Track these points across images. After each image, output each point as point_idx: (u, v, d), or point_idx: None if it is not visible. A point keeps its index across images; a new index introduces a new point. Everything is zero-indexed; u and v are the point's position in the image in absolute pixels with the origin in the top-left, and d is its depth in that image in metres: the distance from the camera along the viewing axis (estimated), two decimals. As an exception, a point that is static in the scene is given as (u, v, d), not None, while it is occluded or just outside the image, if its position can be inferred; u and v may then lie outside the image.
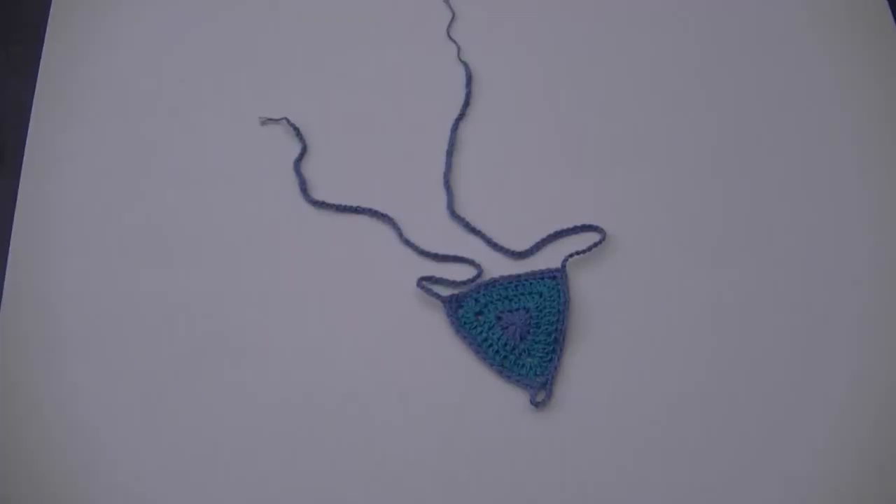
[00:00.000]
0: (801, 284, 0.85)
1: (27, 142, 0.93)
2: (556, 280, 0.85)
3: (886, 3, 0.99)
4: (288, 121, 0.96)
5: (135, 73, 1.00)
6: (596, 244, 0.87)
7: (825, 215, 0.89)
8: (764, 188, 0.91)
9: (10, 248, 0.87)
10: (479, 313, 0.84)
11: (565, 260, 0.86)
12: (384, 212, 0.91)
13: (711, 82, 0.98)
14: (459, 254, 0.88)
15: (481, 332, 0.83)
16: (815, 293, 0.85)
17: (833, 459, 0.77)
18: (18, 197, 0.90)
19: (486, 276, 0.87)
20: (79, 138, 0.94)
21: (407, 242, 0.89)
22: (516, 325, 0.84)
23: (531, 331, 0.83)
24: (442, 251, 0.88)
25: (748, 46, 1.00)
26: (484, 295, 0.85)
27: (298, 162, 0.94)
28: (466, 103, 0.97)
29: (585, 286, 0.86)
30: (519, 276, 0.86)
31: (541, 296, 0.85)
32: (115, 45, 1.01)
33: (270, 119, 0.97)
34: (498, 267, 0.88)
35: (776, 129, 0.94)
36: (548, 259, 0.88)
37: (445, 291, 0.86)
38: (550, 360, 0.82)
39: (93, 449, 0.78)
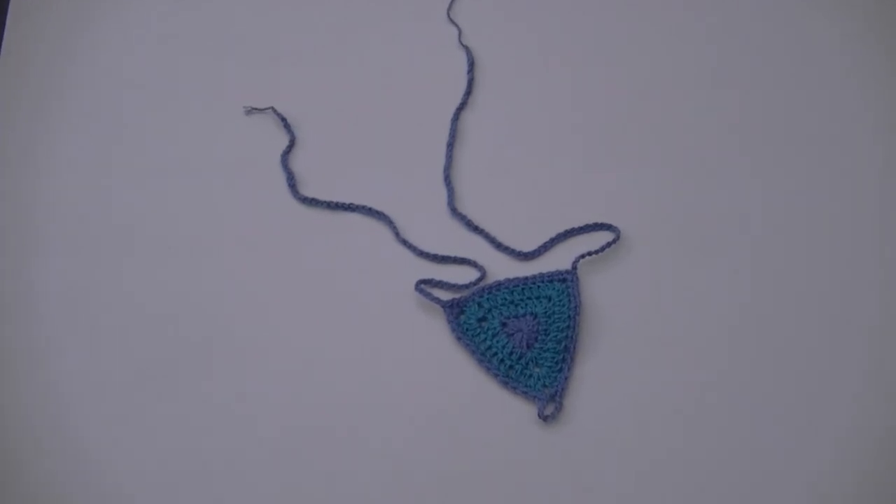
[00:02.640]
0: (826, 288, 0.85)
1: (-4, 135, 0.94)
2: (566, 283, 0.85)
3: None
4: (274, 110, 0.96)
5: (110, 60, 1.00)
6: (609, 244, 0.86)
7: (848, 215, 0.89)
8: (787, 184, 0.91)
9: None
10: (483, 319, 0.84)
11: (576, 261, 0.86)
12: (379, 209, 0.90)
13: (732, 72, 0.99)
14: (461, 254, 0.88)
15: (485, 340, 0.83)
16: (840, 297, 0.85)
17: (855, 473, 0.77)
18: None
19: (490, 279, 0.86)
20: (51, 130, 0.95)
21: (404, 242, 0.88)
22: (523, 331, 0.83)
23: (539, 338, 0.83)
24: (442, 252, 0.88)
25: (767, 34, 1.00)
26: (488, 299, 0.85)
27: (286, 155, 0.94)
28: (468, 91, 0.97)
29: (598, 289, 0.85)
30: (526, 278, 0.85)
31: (549, 300, 0.84)
32: (89, 31, 1.01)
33: (255, 108, 0.96)
34: (503, 269, 0.87)
35: (798, 122, 0.95)
36: (557, 260, 0.87)
37: (446, 295, 0.85)
38: (560, 369, 0.81)
39: (74, 451, 0.78)
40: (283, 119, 0.95)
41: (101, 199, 0.91)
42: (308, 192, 0.92)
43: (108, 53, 1.00)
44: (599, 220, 0.88)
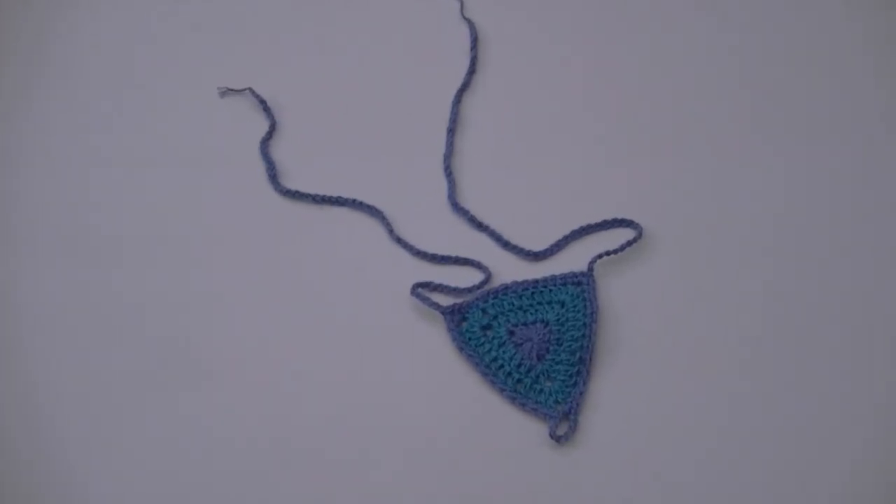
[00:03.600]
0: (871, 292, 0.84)
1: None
2: (581, 286, 0.83)
3: None
4: (253, 92, 0.96)
5: (73, 39, 1.00)
6: (630, 242, 0.85)
7: (889, 212, 0.88)
8: (829, 180, 0.90)
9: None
10: (488, 327, 0.83)
11: (593, 261, 0.84)
12: (371, 203, 0.89)
13: (763, 56, 0.98)
14: (463, 254, 0.87)
15: (490, 350, 0.81)
16: (887, 302, 0.83)
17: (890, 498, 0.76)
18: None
19: (496, 282, 0.85)
20: (15, 121, 0.95)
21: (399, 241, 0.87)
22: (533, 341, 0.82)
23: (551, 348, 0.82)
24: (442, 251, 0.87)
25: (799, 19, 1.00)
26: (493, 305, 0.83)
27: (266, 142, 0.93)
28: (471, 70, 0.97)
29: (617, 293, 0.84)
30: (536, 281, 0.84)
31: (563, 306, 0.83)
32: (54, 15, 1.01)
33: (231, 90, 0.96)
34: (510, 270, 0.86)
35: (835, 115, 0.94)
36: (571, 261, 0.86)
37: (446, 301, 0.84)
38: (574, 384, 0.80)
39: (39, 457, 0.78)
40: (263, 102, 0.95)
41: (61, 192, 0.90)
42: (291, 183, 0.91)
43: (68, 29, 1.00)
44: (619, 216, 0.87)
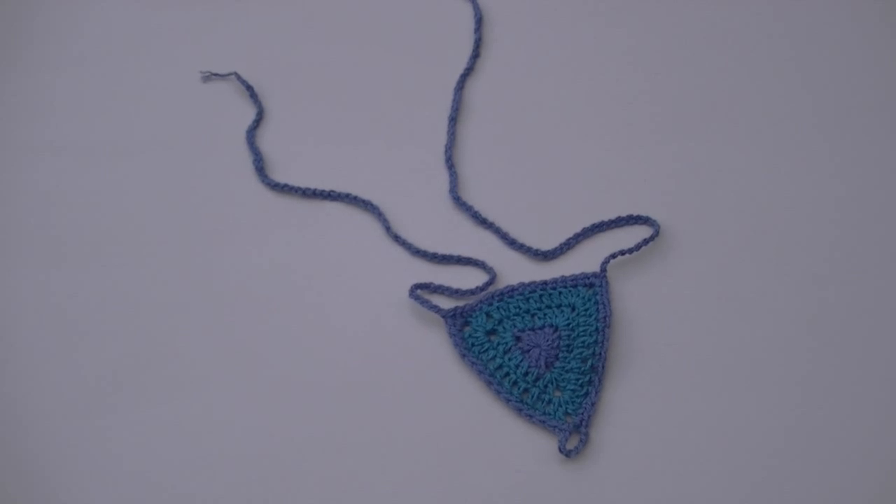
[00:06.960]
0: None
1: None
2: (593, 288, 0.83)
3: None
4: (238, 76, 0.96)
5: (48, 21, 1.00)
6: (647, 241, 0.84)
7: None
8: (863, 169, 0.89)
9: None
10: (492, 332, 0.82)
11: (606, 261, 0.83)
12: (366, 198, 0.89)
13: (794, 35, 0.98)
14: (466, 253, 0.86)
15: (495, 357, 0.81)
16: None
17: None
18: None
19: (501, 283, 0.85)
20: None
21: (396, 238, 0.87)
22: (541, 347, 0.81)
23: (561, 355, 0.81)
24: (443, 250, 0.86)
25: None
26: (498, 308, 0.83)
27: (252, 132, 0.93)
28: (475, 54, 0.96)
29: (632, 296, 0.83)
30: (545, 283, 0.84)
31: (573, 309, 0.82)
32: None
33: (215, 74, 0.96)
34: (516, 271, 0.85)
35: (870, 101, 0.93)
36: (583, 261, 0.86)
37: (447, 303, 0.83)
38: (586, 393, 0.79)
39: (12, 460, 0.78)
40: (249, 87, 0.95)
41: (32, 183, 0.90)
42: (279, 176, 0.91)
43: (48, 14, 1.00)
44: (634, 212, 0.87)
